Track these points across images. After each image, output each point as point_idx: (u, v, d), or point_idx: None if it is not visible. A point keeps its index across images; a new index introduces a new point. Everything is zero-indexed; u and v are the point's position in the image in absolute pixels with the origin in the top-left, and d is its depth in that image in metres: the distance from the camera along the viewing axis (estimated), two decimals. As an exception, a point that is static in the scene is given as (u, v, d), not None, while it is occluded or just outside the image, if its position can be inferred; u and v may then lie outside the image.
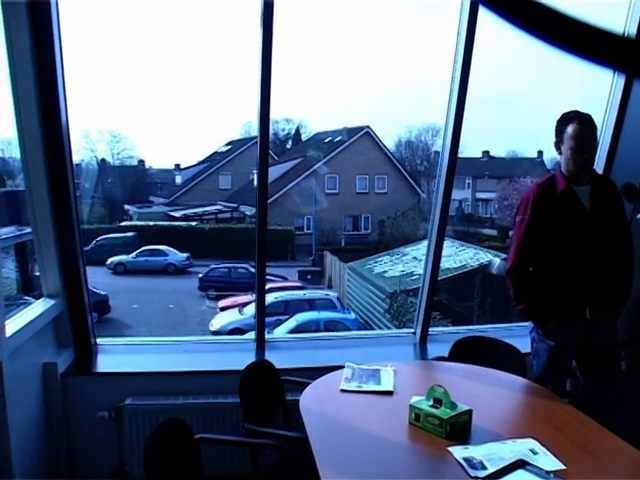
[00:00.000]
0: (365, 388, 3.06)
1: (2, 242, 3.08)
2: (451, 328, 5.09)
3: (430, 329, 4.64)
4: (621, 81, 4.24)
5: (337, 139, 16.99)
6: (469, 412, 2.59)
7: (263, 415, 3.30)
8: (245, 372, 3.31)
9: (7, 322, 3.20)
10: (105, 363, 4.22)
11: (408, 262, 13.01)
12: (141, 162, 18.32)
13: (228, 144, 17.94)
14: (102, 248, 14.63)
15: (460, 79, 4.03)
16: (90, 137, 16.37)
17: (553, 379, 3.41)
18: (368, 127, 16.82)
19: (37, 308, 3.79)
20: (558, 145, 3.32)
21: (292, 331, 10.09)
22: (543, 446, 2.40)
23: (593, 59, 0.50)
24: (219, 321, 11.78)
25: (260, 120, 3.95)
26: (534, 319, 3.47)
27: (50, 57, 3.51)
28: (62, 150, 3.71)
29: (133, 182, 17.92)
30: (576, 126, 3.24)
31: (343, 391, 3.04)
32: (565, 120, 3.28)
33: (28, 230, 5.71)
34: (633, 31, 4.16)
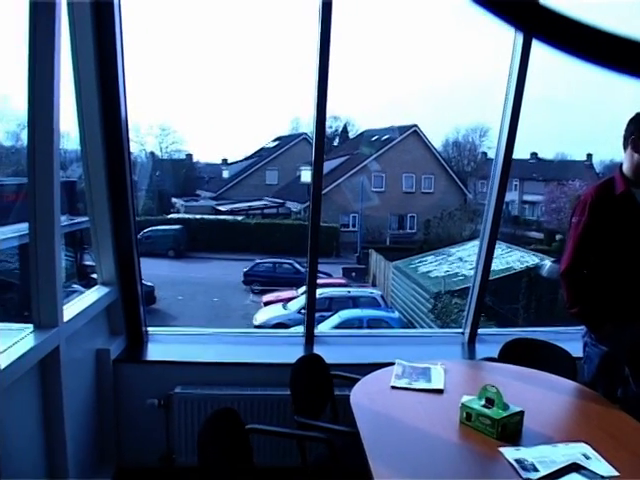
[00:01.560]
0: (415, 386, 3.07)
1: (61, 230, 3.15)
2: (500, 329, 5.03)
3: (478, 330, 4.61)
4: None
5: (385, 137, 16.93)
6: (521, 413, 2.58)
7: (312, 409, 3.32)
8: (296, 365, 3.34)
9: (65, 307, 3.27)
10: (155, 351, 4.28)
11: (453, 262, 12.93)
12: (189, 156, 18.52)
13: (276, 140, 18.02)
14: (149, 240, 14.81)
15: (517, 80, 3.99)
16: (140, 131, 16.59)
17: (604, 385, 3.35)
18: (416, 126, 16.74)
19: (92, 295, 3.86)
20: (636, 142, 3.20)
21: (335, 328, 10.09)
22: (595, 451, 2.37)
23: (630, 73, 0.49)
24: (263, 315, 11.85)
25: (316, 120, 3.97)
26: (587, 323, 3.42)
27: (112, 53, 3.60)
28: (120, 143, 3.79)
29: (181, 175, 18.11)
30: None
31: (393, 388, 3.04)
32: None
33: (79, 220, 5.83)
34: None
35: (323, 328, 9.56)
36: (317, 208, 4.14)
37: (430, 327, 11.14)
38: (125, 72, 3.75)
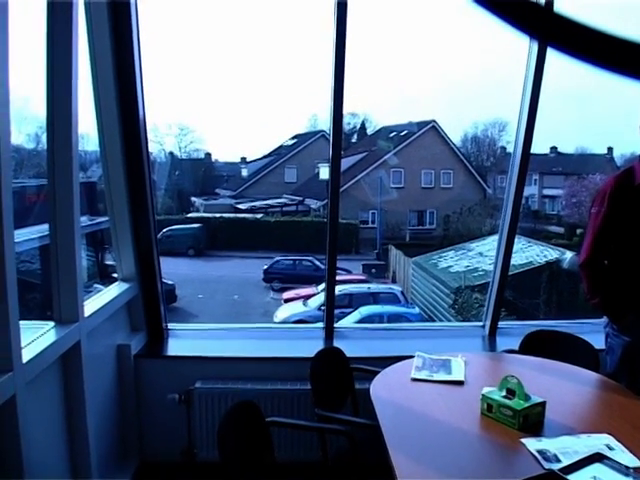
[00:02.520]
0: (436, 377, 3.06)
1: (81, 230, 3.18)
2: (520, 322, 4.99)
3: (499, 323, 4.58)
4: None
5: (403, 132, 16.87)
6: (542, 404, 2.56)
7: (332, 402, 3.32)
8: (316, 358, 3.34)
9: (85, 303, 3.29)
10: (176, 347, 4.31)
11: (473, 257, 12.86)
12: (208, 155, 18.55)
13: (294, 137, 18.01)
14: (169, 239, 14.86)
15: (534, 75, 3.96)
16: (159, 131, 16.64)
17: (627, 376, 3.32)
18: (434, 121, 16.66)
19: (112, 291, 3.89)
20: None
21: (356, 324, 10.08)
22: (619, 442, 2.35)
23: None
24: (283, 313, 11.85)
25: (333, 119, 3.98)
26: (608, 313, 3.39)
27: (129, 54, 3.64)
28: (139, 143, 3.83)
29: (200, 175, 18.15)
30: None
31: (414, 380, 3.04)
32: None
33: (99, 220, 5.87)
34: None
35: (343, 324, 9.56)
36: (335, 205, 4.15)
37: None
38: (143, 72, 3.77)
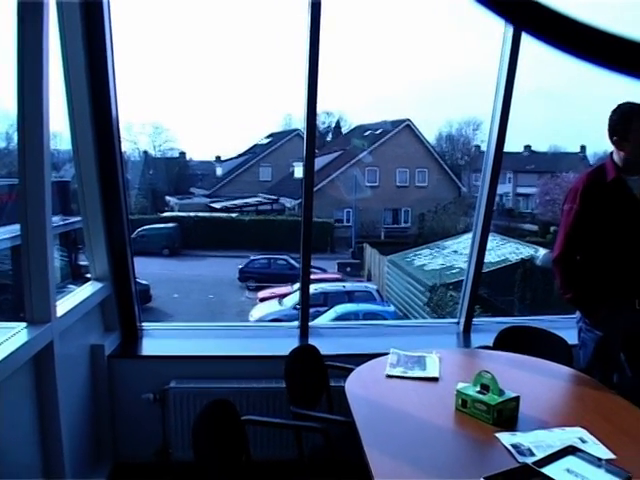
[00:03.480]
0: (410, 374, 3.06)
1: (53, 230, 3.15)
2: (495, 319, 5.04)
3: (473, 319, 4.61)
4: None
5: (378, 131, 16.93)
6: (516, 399, 2.58)
7: (307, 399, 3.32)
8: (291, 355, 3.34)
9: (58, 303, 3.25)
10: (150, 347, 4.28)
11: (448, 255, 12.94)
12: (182, 154, 18.50)
13: (268, 136, 18.01)
14: (143, 239, 14.80)
15: (507, 72, 3.99)
16: (132, 129, 16.56)
17: (600, 370, 3.36)
18: (409, 120, 16.74)
19: (85, 291, 3.85)
20: (622, 137, 3.23)
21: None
22: (592, 435, 2.37)
23: (627, 72, 0.49)
24: (259, 312, 11.85)
25: (307, 118, 3.98)
26: (581, 308, 3.42)
27: (102, 52, 3.60)
28: (112, 141, 3.79)
29: (174, 174, 18.09)
30: None
31: (388, 376, 3.04)
32: (629, 113, 3.19)
33: (72, 220, 5.81)
34: None
35: (319, 323, 9.56)
36: (309, 203, 4.15)
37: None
38: (115, 71, 3.74)
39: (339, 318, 10.61)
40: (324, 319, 10.49)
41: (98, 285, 3.96)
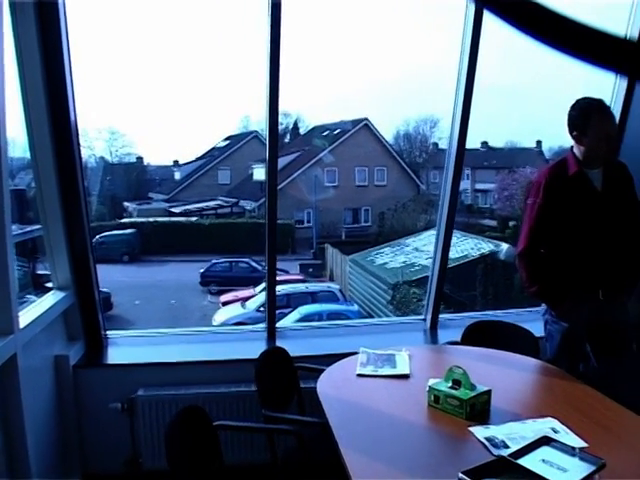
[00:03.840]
0: (381, 372, 3.07)
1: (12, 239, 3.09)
2: (461, 314, 5.07)
3: (439, 316, 4.64)
4: (624, 83, 4.23)
5: (336, 131, 16.94)
6: (488, 392, 2.60)
7: (279, 402, 3.30)
8: (261, 359, 3.31)
9: (20, 314, 3.19)
10: (116, 355, 4.21)
11: (409, 253, 12.99)
12: (139, 159, 18.26)
13: (226, 139, 17.89)
14: (102, 245, 14.59)
15: (467, 70, 4.03)
16: (88, 135, 16.32)
17: (566, 361, 3.40)
18: (367, 119, 16.77)
19: (48, 300, 3.78)
20: (582, 132, 3.28)
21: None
22: (563, 425, 2.41)
23: (595, 62, 0.50)
24: (222, 316, 11.76)
25: (269, 119, 3.97)
26: (547, 300, 3.47)
27: (58, 56, 3.51)
28: (71, 148, 3.72)
29: (132, 179, 17.86)
30: (605, 116, 3.26)
31: (359, 376, 3.04)
32: (587, 109, 3.25)
33: (30, 228, 5.69)
34: (635, 34, 4.15)
35: (284, 324, 9.54)
36: (273, 205, 4.15)
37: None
38: (73, 74, 3.67)
39: (303, 319, 10.57)
40: (288, 320, 10.46)
41: (60, 294, 3.89)
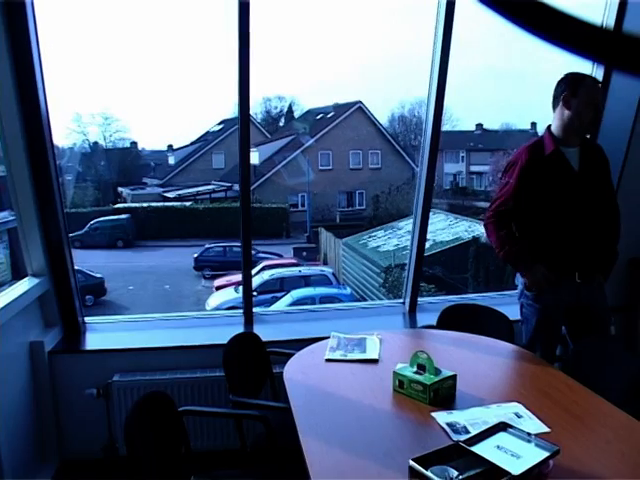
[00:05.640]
0: (350, 357, 3.04)
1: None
2: (440, 298, 5.07)
3: (419, 299, 4.62)
4: (600, 71, 4.20)
5: (330, 114, 16.90)
6: (453, 377, 2.58)
7: (249, 388, 3.28)
8: (228, 344, 3.29)
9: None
10: (93, 341, 4.20)
11: (402, 236, 12.95)
12: (133, 144, 18.22)
13: (220, 123, 17.83)
14: (96, 231, 14.61)
15: (441, 50, 4.00)
16: (82, 120, 16.28)
17: (542, 344, 3.39)
18: (360, 102, 16.72)
19: (22, 286, 3.76)
20: (572, 93, 3.20)
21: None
22: (528, 410, 2.39)
23: (571, 49, 0.50)
24: (215, 300, 11.77)
25: (240, 106, 3.98)
26: (517, 264, 3.43)
27: (26, 40, 3.45)
28: (42, 134, 3.67)
29: (126, 164, 17.83)
30: (597, 85, 3.28)
31: (328, 360, 3.02)
32: (581, 75, 3.22)
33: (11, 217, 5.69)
34: (611, 22, 4.12)
35: (276, 308, 9.53)
36: (246, 188, 4.25)
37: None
38: (42, 59, 3.61)
39: (296, 303, 10.58)
40: (281, 304, 10.47)
41: (35, 280, 3.87)
